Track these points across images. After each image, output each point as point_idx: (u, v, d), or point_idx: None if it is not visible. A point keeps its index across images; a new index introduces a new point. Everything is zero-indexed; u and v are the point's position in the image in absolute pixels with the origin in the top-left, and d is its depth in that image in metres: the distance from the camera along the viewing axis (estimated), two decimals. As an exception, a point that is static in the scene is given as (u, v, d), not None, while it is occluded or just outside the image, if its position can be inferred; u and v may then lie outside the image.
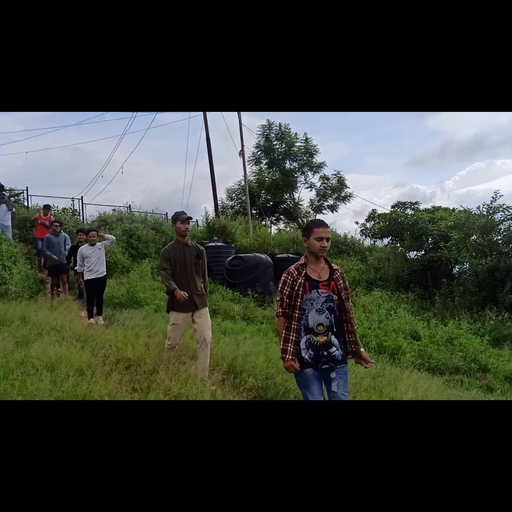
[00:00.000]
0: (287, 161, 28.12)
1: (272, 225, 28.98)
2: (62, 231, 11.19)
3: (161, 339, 6.09)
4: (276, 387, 4.91)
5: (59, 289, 10.62)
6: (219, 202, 23.04)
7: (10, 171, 49.61)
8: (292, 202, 29.26)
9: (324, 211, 29.25)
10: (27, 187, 19.00)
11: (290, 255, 15.44)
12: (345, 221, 67.11)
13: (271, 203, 29.00)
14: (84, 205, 19.90)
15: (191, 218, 5.73)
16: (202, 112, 20.72)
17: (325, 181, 28.58)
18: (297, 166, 28.36)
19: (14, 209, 13.26)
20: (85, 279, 8.70)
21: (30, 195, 18.74)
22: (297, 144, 27.94)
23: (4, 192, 13.28)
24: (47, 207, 13.77)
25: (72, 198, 19.75)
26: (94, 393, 3.86)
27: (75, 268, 9.61)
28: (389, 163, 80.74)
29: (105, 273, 8.84)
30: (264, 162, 28.61)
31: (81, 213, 19.36)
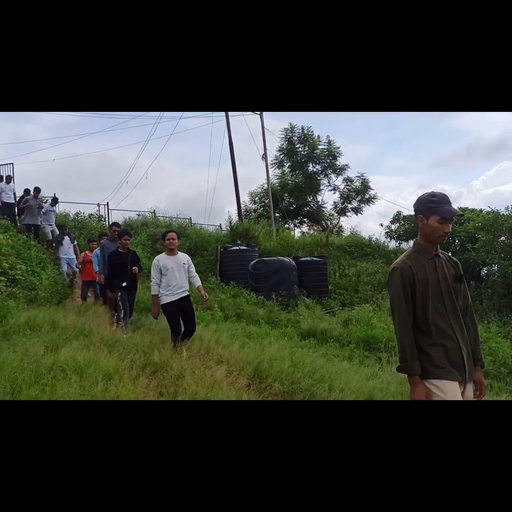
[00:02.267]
0: (310, 164, 28.12)
1: (296, 228, 28.99)
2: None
3: (187, 344, 6.15)
4: (302, 392, 4.90)
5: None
6: (242, 205, 23.13)
7: (38, 178, 50.63)
8: (316, 205, 29.20)
9: (348, 214, 29.13)
10: (54, 194, 19.32)
11: (314, 258, 15.39)
12: (369, 223, 66.74)
13: (294, 206, 28.96)
14: (109, 210, 20.20)
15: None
16: (224, 116, 20.84)
17: (349, 183, 28.48)
18: (320, 169, 28.34)
19: (76, 242, 12.92)
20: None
21: (58, 202, 19.06)
22: (320, 146, 27.91)
23: (64, 225, 13.30)
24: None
25: (98, 203, 20.06)
26: (123, 398, 3.90)
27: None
28: (413, 164, 79.93)
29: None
30: (287, 165, 28.65)
31: (106, 219, 19.63)
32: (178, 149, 69.42)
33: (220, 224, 23.14)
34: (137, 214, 20.52)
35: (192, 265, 6.86)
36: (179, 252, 6.84)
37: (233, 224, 19.59)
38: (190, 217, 21.86)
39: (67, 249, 12.25)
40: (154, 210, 21.49)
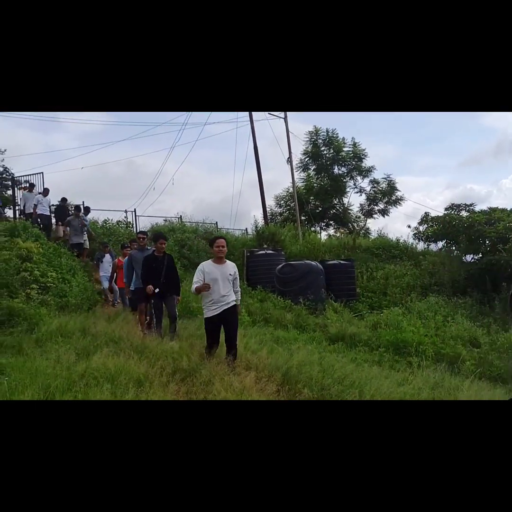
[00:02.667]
0: (336, 166, 27.93)
1: (322, 231, 28.84)
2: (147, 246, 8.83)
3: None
4: (332, 398, 4.86)
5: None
6: (267, 209, 23.13)
7: (67, 187, 51.62)
8: (342, 207, 29.01)
9: (374, 216, 28.85)
10: (83, 202, 19.61)
11: (342, 261, 15.29)
12: (396, 225, 66.03)
13: (320, 209, 28.83)
14: (137, 217, 20.42)
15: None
16: (249, 121, 20.91)
17: (375, 185, 28.18)
18: (345, 171, 28.11)
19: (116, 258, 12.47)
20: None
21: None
22: (345, 149, 27.72)
23: (106, 243, 13.29)
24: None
25: (125, 210, 20.29)
26: (153, 405, 3.93)
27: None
28: (441, 164, 78.80)
29: None
30: (312, 168, 28.52)
31: (134, 225, 19.85)
32: (204, 155, 69.99)
33: (246, 229, 23.19)
34: (164, 220, 20.70)
35: (238, 279, 6.30)
36: (227, 261, 6.25)
37: (259, 228, 19.60)
38: (216, 222, 21.97)
39: (107, 267, 11.93)
40: (181, 216, 21.64)
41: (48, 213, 15.02)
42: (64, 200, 15.73)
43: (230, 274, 6.08)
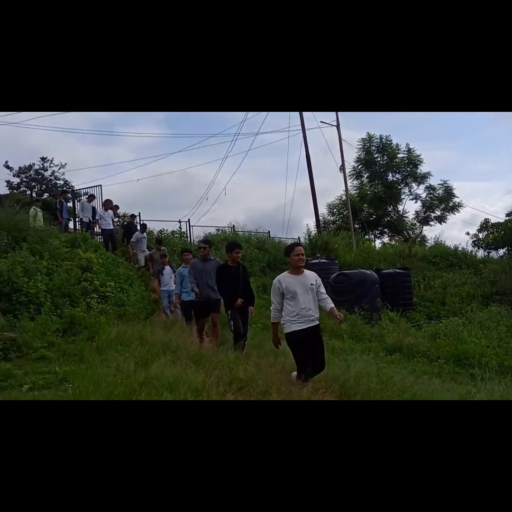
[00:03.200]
0: (390, 173, 27.52)
1: (376, 239, 28.41)
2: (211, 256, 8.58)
3: (271, 360, 6.14)
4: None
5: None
6: (320, 217, 22.99)
7: (124, 198, 53.17)
8: (397, 215, 28.50)
9: (431, 223, 28.18)
10: (139, 213, 20.15)
11: (397, 270, 14.98)
12: (454, 232, 63.96)
13: (374, 216, 28.44)
14: (191, 226, 20.74)
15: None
16: (301, 130, 20.90)
17: (431, 191, 27.58)
18: (400, 178, 27.67)
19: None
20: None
21: (142, 220, 19.87)
22: (399, 155, 27.29)
23: (165, 254, 13.11)
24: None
25: (179, 220, 20.65)
26: (211, 415, 3.94)
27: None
28: (501, 168, 75.93)
29: None
30: (365, 176, 28.23)
31: (188, 235, 20.17)
32: (256, 164, 70.42)
33: (299, 237, 23.11)
34: (216, 229, 20.94)
35: (322, 285, 5.56)
36: (305, 270, 5.52)
37: (312, 236, 19.50)
38: (269, 231, 22.03)
39: (168, 280, 11.66)
40: (233, 225, 21.83)
41: (111, 227, 15.23)
42: (132, 216, 15.96)
43: (311, 285, 5.38)
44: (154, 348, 6.59)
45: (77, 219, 15.92)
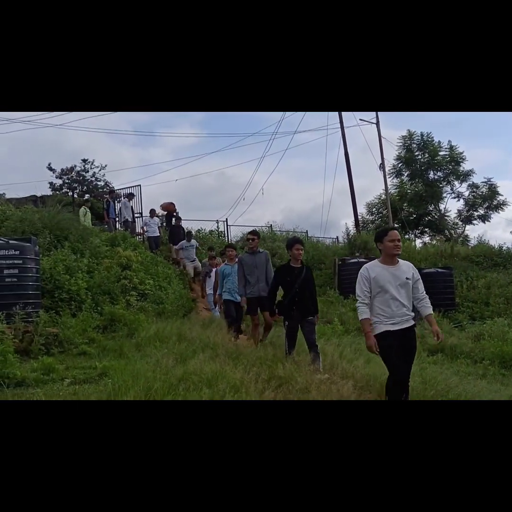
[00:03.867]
0: (431, 171, 26.92)
1: (417, 238, 27.84)
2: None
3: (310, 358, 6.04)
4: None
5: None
6: (359, 217, 22.68)
7: (163, 198, 53.93)
8: (438, 214, 27.87)
9: (474, 222, 27.44)
10: (177, 212, 20.34)
11: (439, 270, 14.64)
12: (497, 231, 62.20)
13: (415, 215, 27.89)
14: (228, 226, 20.81)
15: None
16: (339, 128, 20.67)
17: (474, 189, 26.84)
18: (442, 176, 27.04)
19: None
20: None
21: (182, 220, 20.09)
22: (441, 153, 26.66)
23: (214, 256, 12.60)
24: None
25: (217, 220, 20.75)
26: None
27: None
28: (547, 166, 73.39)
29: None
30: (405, 174, 27.71)
31: (226, 235, 20.24)
32: (293, 164, 70.14)
33: (337, 237, 22.90)
34: (254, 228, 20.93)
35: (421, 281, 4.65)
36: (400, 260, 4.59)
37: (350, 236, 19.26)
38: (306, 231, 21.92)
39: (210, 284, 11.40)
40: (271, 225, 21.79)
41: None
42: (178, 219, 15.82)
43: (407, 278, 4.45)
44: (192, 344, 6.59)
45: (120, 219, 16.12)
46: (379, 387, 5.09)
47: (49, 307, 8.28)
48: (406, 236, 25.62)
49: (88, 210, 14.96)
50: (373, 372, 5.55)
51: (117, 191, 18.13)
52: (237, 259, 8.02)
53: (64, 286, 8.76)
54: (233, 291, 8.04)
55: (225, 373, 4.89)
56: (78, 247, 10.67)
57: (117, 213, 16.09)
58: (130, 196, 15.93)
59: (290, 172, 68.97)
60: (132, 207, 15.88)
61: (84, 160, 22.65)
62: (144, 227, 15.29)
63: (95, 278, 9.61)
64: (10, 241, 7.76)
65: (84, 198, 19.19)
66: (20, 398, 4.60)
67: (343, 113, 20.54)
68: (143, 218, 15.70)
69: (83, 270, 9.55)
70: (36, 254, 8.10)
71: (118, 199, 17.09)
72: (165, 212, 17.11)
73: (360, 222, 23.17)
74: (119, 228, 15.36)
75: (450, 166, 26.65)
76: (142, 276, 10.88)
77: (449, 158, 26.54)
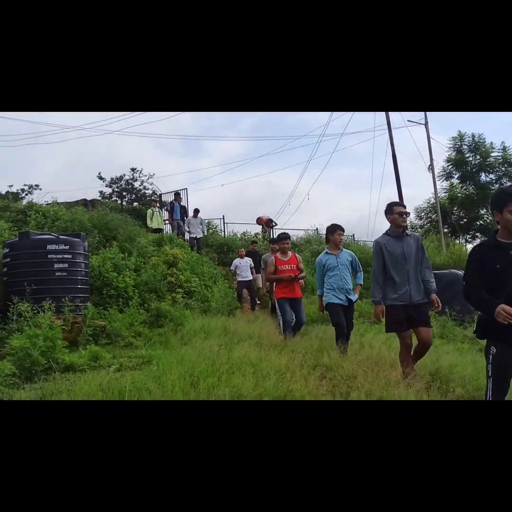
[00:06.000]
0: (482, 174, 26.09)
1: (467, 243, 26.97)
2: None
3: (356, 349, 5.91)
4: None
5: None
6: (407, 221, 22.17)
7: (210, 203, 54.87)
8: (490, 218, 26.95)
9: (528, 225, 26.37)
10: (223, 216, 20.51)
11: (492, 271, 14.12)
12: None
13: (465, 219, 27.06)
14: (273, 231, 20.76)
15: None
16: (388, 136, 20.33)
17: (528, 192, 25.83)
18: (494, 178, 26.14)
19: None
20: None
21: (226, 223, 20.26)
22: (493, 154, 25.81)
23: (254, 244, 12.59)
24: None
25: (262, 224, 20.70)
26: (295, 392, 3.81)
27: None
28: None
29: None
30: (455, 177, 26.94)
31: (271, 237, 20.20)
32: (340, 173, 69.74)
33: (385, 241, 22.44)
34: (303, 231, 20.91)
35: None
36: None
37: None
38: (353, 234, 21.58)
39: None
40: (317, 228, 21.61)
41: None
42: (254, 243, 14.57)
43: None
44: (237, 336, 6.58)
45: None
46: (428, 376, 4.91)
47: (97, 303, 8.46)
48: (457, 241, 24.91)
49: (156, 210, 15.07)
50: (421, 363, 5.36)
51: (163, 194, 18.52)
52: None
53: (112, 283, 8.94)
54: (340, 290, 6.18)
55: (270, 358, 4.84)
56: (126, 246, 10.89)
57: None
58: (177, 196, 15.95)
59: (336, 181, 68.63)
60: (185, 207, 15.89)
61: (133, 169, 23.10)
62: (189, 228, 15.21)
63: (142, 276, 9.77)
64: (60, 237, 7.98)
65: (152, 198, 19.39)
66: (68, 381, 4.68)
67: (392, 116, 20.22)
68: (186, 219, 15.63)
69: (131, 268, 9.73)
70: (85, 250, 8.29)
71: (165, 208, 17.28)
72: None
73: (408, 226, 22.67)
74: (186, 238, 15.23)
75: (503, 168, 25.75)
76: (188, 275, 10.98)
77: (502, 160, 25.67)
